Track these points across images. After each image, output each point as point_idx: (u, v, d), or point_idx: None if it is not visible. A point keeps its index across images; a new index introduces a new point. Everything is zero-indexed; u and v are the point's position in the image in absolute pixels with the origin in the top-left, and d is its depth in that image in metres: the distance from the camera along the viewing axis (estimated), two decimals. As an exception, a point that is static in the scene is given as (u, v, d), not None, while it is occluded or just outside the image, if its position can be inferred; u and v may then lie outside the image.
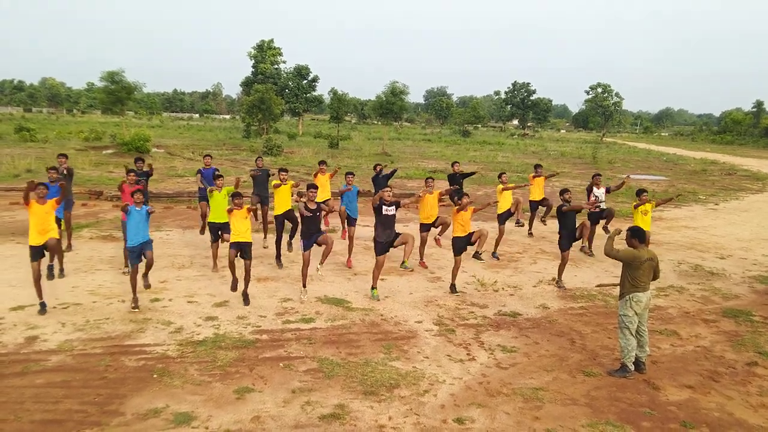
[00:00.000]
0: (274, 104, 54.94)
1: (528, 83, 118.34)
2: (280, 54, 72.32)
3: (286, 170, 12.98)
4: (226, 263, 12.13)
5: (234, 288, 10.37)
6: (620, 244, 8.87)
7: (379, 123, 74.86)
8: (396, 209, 10.80)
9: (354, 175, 13.45)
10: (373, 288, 10.88)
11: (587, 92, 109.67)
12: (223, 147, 45.36)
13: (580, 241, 12.42)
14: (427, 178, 12.85)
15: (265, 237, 14.40)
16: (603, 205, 14.54)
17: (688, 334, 9.80)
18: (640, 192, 13.11)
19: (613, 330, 9.46)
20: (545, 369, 8.21)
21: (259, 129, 57.57)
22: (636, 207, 12.95)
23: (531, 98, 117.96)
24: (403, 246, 10.71)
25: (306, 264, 10.48)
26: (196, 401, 6.88)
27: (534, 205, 16.15)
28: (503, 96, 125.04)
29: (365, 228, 13.75)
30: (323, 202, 12.08)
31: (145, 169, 12.93)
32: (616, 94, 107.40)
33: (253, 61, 71.71)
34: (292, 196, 12.84)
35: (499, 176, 15.09)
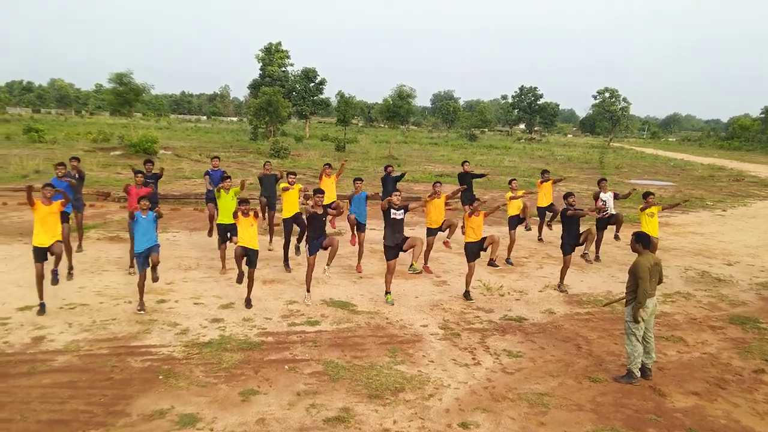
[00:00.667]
0: (281, 107, 55.06)
1: (535, 87, 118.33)
2: (288, 57, 72.63)
3: (294, 173, 12.99)
4: (233, 265, 12.19)
5: (240, 280, 10.41)
6: (624, 248, 8.83)
7: (386, 126, 74.76)
8: (404, 213, 10.81)
9: (362, 180, 13.43)
10: (387, 293, 10.88)
11: (594, 97, 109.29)
12: (231, 149, 45.50)
13: (583, 246, 12.36)
14: (435, 183, 12.82)
15: (270, 240, 14.41)
16: (611, 211, 14.49)
17: (695, 340, 9.76)
18: (646, 194, 13.06)
19: (619, 336, 9.43)
20: (551, 374, 8.19)
21: (266, 131, 57.70)
22: (642, 210, 12.91)
23: (538, 102, 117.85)
24: (412, 249, 10.71)
25: (311, 268, 10.48)
26: (202, 403, 6.89)
27: (541, 211, 16.10)
28: (510, 100, 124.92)
29: (372, 231, 13.74)
30: (329, 205, 12.08)
31: (155, 171, 12.99)
32: (624, 99, 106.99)
33: (260, 64, 71.96)
34: (299, 199, 12.88)
35: (510, 183, 15.06)
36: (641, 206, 13.06)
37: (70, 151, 30.37)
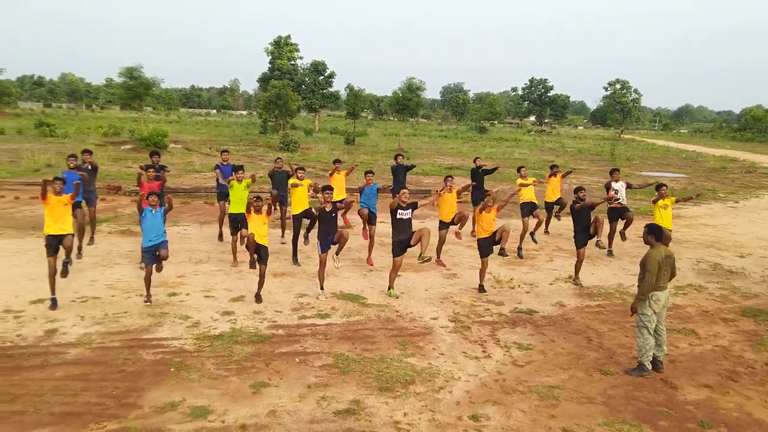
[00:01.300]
0: (290, 100, 55.13)
1: (545, 79, 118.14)
2: (297, 50, 72.57)
3: (303, 169, 12.99)
4: (243, 258, 12.24)
5: (253, 265, 10.42)
6: (636, 240, 8.78)
7: (396, 119, 74.75)
8: (412, 212, 10.78)
9: (373, 173, 13.42)
10: (390, 288, 10.88)
11: (605, 88, 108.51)
12: (240, 143, 45.59)
13: (595, 237, 12.31)
14: (446, 177, 12.78)
15: (282, 234, 14.44)
16: (623, 201, 14.38)
17: (707, 333, 9.71)
18: (659, 186, 12.97)
19: (630, 328, 9.40)
20: (561, 367, 8.17)
21: (275, 125, 57.80)
22: (655, 202, 12.83)
23: (548, 94, 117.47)
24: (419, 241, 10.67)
25: (323, 265, 10.48)
26: (213, 395, 6.93)
27: (549, 205, 15.99)
28: (520, 92, 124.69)
29: (380, 224, 13.72)
30: (339, 202, 12.08)
31: (161, 164, 13.16)
32: (635, 91, 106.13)
33: (270, 57, 71.95)
34: (308, 192, 12.88)
35: (518, 170, 15.04)
36: (654, 198, 12.97)
37: (81, 145, 30.49)
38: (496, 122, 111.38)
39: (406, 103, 49.60)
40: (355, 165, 16.57)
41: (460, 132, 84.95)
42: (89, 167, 12.79)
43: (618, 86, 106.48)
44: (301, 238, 12.87)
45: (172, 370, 7.52)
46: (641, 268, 7.87)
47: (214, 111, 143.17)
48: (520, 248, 14.08)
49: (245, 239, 10.28)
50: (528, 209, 14.45)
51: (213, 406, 6.69)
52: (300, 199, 12.67)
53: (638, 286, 7.99)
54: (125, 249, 13.09)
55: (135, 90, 43.52)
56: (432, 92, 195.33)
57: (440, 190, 12.29)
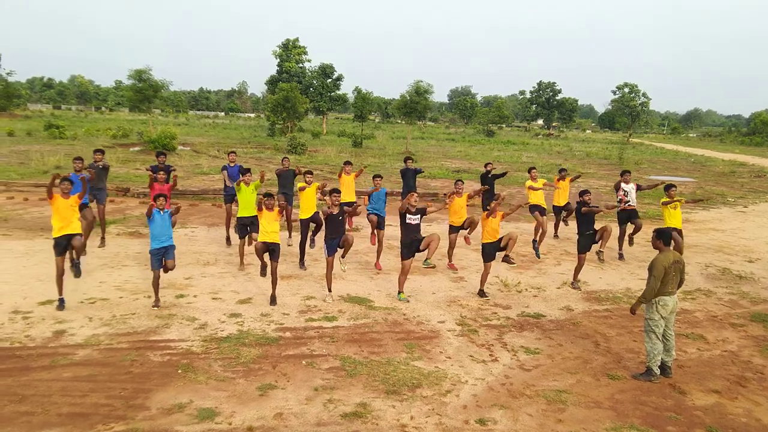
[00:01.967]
0: (298, 103, 55.16)
1: (553, 83, 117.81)
2: (305, 53, 72.66)
3: (311, 172, 12.94)
4: (250, 260, 12.26)
5: (264, 272, 10.41)
6: (645, 245, 8.74)
7: (403, 122, 74.70)
8: (421, 218, 10.77)
9: (382, 177, 13.41)
10: (400, 292, 10.87)
11: (614, 92, 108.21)
12: (248, 145, 45.69)
13: (599, 244, 12.27)
14: (456, 181, 12.77)
15: (290, 236, 14.45)
16: (633, 203, 14.31)
17: (715, 338, 9.65)
18: (668, 187, 12.92)
19: (638, 333, 9.36)
20: (569, 371, 8.14)
21: (283, 127, 57.87)
22: (665, 204, 12.79)
23: (556, 98, 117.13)
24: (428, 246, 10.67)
25: (330, 268, 10.48)
26: (220, 397, 6.94)
27: (557, 209, 15.95)
28: (528, 96, 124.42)
29: (390, 227, 13.72)
30: (348, 204, 12.07)
31: (167, 164, 13.28)
32: (644, 94, 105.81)
33: (278, 60, 72.12)
34: (316, 195, 12.87)
35: (529, 171, 15.01)
36: (663, 200, 12.93)
37: (90, 147, 30.63)
38: (503, 125, 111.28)
39: (414, 106, 49.57)
40: (364, 167, 16.52)
41: (467, 135, 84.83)
42: (101, 167, 13.02)
43: (626, 90, 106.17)
44: (307, 241, 12.86)
45: (179, 371, 7.54)
46: (648, 273, 7.85)
47: (223, 113, 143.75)
48: (536, 247, 14.04)
49: (254, 242, 10.31)
50: (537, 211, 14.40)
51: (220, 408, 6.70)
52: (308, 204, 12.62)
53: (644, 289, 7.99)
54: (133, 251, 13.14)
55: (144, 92, 43.78)
56: (440, 95, 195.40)
57: (450, 195, 12.29)
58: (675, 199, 12.87)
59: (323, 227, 10.91)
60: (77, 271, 10.28)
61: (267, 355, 8.14)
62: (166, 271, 9.96)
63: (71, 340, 8.32)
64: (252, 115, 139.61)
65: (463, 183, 12.77)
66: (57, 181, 9.54)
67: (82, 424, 6.26)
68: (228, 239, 14.14)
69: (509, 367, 8.18)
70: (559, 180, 15.66)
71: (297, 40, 72.61)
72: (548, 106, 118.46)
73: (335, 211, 10.44)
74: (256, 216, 10.74)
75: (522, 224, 17.89)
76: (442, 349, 8.69)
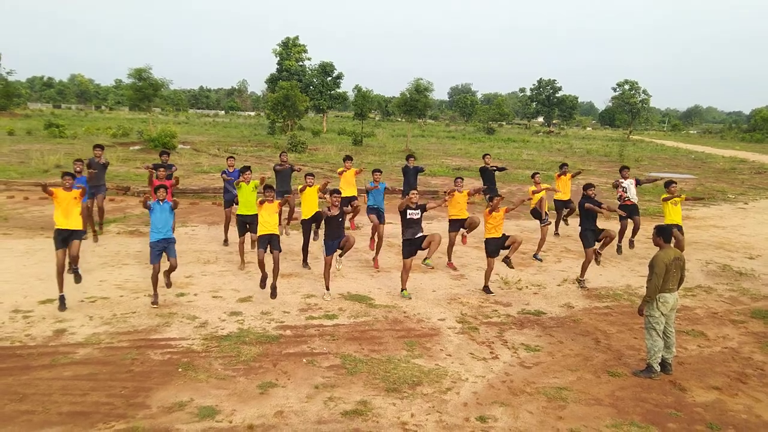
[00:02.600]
0: (298, 101, 55.12)
1: (554, 80, 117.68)
2: (305, 51, 72.62)
3: (312, 175, 12.75)
4: (250, 258, 12.27)
5: (263, 285, 10.37)
6: (645, 242, 8.73)
7: (403, 120, 74.64)
8: (421, 213, 10.77)
9: (381, 172, 13.37)
10: (403, 289, 10.86)
11: (614, 89, 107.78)
12: (248, 144, 45.73)
13: (598, 247, 12.25)
14: (456, 178, 12.77)
15: (288, 223, 14.36)
16: (633, 198, 14.27)
17: (716, 335, 9.65)
18: (668, 183, 12.91)
19: (639, 330, 9.35)
20: (569, 368, 8.14)
21: (283, 126, 57.85)
22: (665, 200, 12.78)
23: (556, 95, 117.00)
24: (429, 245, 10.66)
25: (328, 267, 10.48)
26: (221, 395, 6.95)
27: (560, 205, 15.94)
28: (528, 93, 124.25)
29: (388, 225, 13.72)
30: (349, 198, 12.04)
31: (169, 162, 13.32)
32: (644, 91, 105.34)
33: (278, 58, 72.08)
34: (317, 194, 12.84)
35: (533, 176, 14.92)
36: (664, 196, 12.92)
37: (90, 146, 30.63)
38: (504, 123, 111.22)
39: (414, 104, 49.50)
40: (362, 169, 16.51)
41: (467, 133, 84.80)
42: (100, 162, 13.09)
43: (627, 87, 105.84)
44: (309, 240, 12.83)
45: (179, 370, 7.55)
46: (649, 270, 7.85)
47: (223, 112, 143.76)
48: (536, 255, 13.98)
49: (254, 243, 10.31)
50: (539, 216, 14.36)
51: (220, 406, 6.71)
52: (309, 204, 12.51)
53: (646, 287, 7.97)
54: (134, 249, 13.14)
55: (144, 91, 43.71)
56: (440, 93, 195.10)
57: (450, 192, 12.29)
58: (675, 195, 12.87)
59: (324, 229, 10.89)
60: (77, 278, 10.25)
61: (267, 354, 8.14)
62: (169, 272, 9.97)
63: (72, 339, 8.32)
64: (252, 113, 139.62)
65: (463, 180, 12.76)
66: (47, 187, 9.59)
67: (83, 422, 6.26)
68: (225, 241, 14.05)
69: (510, 365, 8.18)
70: (560, 176, 15.65)
71: (297, 38, 72.58)
72: (548, 104, 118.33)
73: (335, 212, 10.42)
74: (256, 215, 10.75)
75: (523, 222, 17.88)
76: (443, 346, 8.69)
